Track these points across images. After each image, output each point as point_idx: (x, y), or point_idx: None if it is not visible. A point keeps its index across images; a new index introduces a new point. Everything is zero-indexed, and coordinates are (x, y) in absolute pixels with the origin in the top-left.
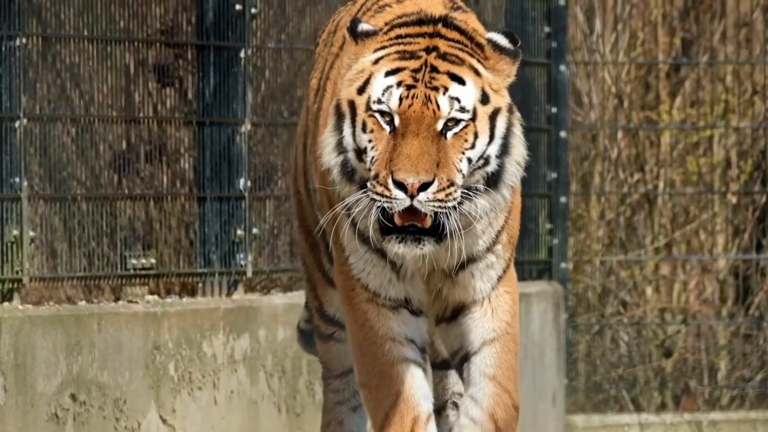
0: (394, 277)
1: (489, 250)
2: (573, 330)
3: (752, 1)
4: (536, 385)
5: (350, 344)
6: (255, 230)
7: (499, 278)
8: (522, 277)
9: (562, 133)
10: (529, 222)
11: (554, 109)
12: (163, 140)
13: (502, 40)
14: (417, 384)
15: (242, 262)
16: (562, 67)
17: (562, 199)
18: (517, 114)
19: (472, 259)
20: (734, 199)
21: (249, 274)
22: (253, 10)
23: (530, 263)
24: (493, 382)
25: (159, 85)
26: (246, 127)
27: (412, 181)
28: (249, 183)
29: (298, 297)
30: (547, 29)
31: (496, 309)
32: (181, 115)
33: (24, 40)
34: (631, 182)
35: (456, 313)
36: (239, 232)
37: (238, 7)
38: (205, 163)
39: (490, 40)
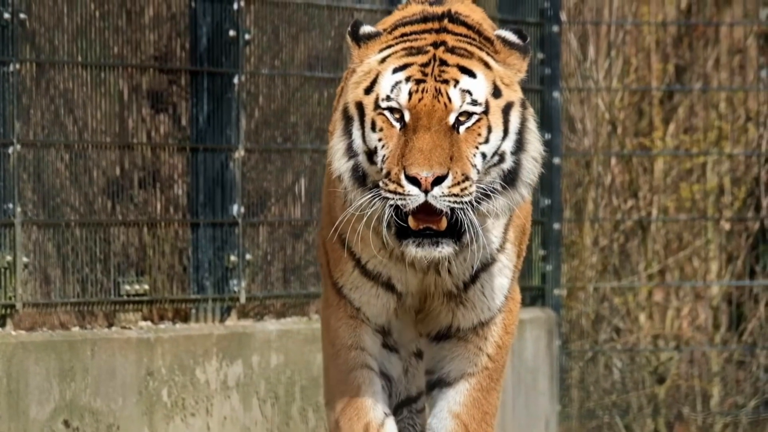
0: (397, 306)
1: (500, 249)
2: (566, 356)
3: (746, 28)
4: (529, 411)
5: (324, 363)
6: (248, 256)
7: (508, 292)
8: None
9: (556, 160)
10: None
11: (548, 136)
12: (156, 166)
13: (511, 36)
14: (372, 390)
15: (235, 288)
16: (556, 94)
17: (556, 226)
18: (531, 109)
19: (484, 265)
20: (727, 226)
21: (242, 300)
22: (246, 36)
23: (523, 290)
24: (456, 420)
25: (153, 111)
26: (239, 153)
27: (425, 174)
28: (242, 209)
29: (292, 323)
30: (540, 56)
31: (487, 339)
32: (175, 141)
33: (18, 66)
34: (625, 209)
35: (444, 336)
36: (232, 258)
37: (231, 33)
38: (198, 189)
39: (499, 36)
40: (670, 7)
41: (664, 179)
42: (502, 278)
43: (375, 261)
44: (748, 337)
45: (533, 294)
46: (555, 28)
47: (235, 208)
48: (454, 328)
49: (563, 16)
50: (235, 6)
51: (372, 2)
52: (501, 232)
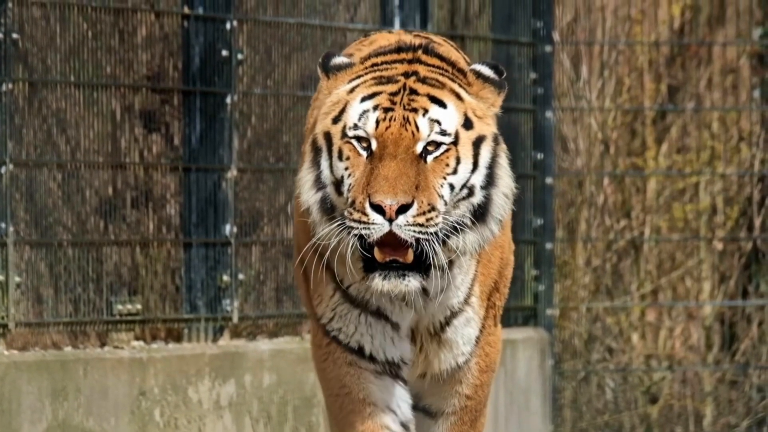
0: (396, 335)
1: (466, 302)
2: (559, 376)
3: (738, 48)
4: (522, 431)
5: (327, 411)
6: (241, 276)
7: (477, 339)
8: (508, 324)
9: (548, 180)
10: (514, 268)
11: (540, 155)
12: (149, 186)
13: (486, 70)
14: None
15: (228, 308)
16: (549, 113)
17: (548, 246)
18: (503, 146)
19: (452, 314)
20: (720, 246)
21: (235, 319)
22: (239, 56)
23: (516, 309)
24: None
25: (145, 131)
26: (232, 173)
27: (389, 202)
28: (235, 229)
29: (284, 343)
30: (533, 75)
31: (462, 382)
32: (168, 161)
33: (10, 86)
34: (617, 229)
35: (422, 373)
36: (225, 277)
37: (224, 52)
38: (191, 209)
39: (473, 69)
40: (663, 27)
41: (657, 199)
42: (469, 329)
43: (358, 286)
44: (740, 357)
45: (526, 314)
46: (548, 48)
47: (228, 227)
48: (429, 368)
49: (556, 36)
50: (228, 26)
51: (365, 22)
52: (467, 288)
